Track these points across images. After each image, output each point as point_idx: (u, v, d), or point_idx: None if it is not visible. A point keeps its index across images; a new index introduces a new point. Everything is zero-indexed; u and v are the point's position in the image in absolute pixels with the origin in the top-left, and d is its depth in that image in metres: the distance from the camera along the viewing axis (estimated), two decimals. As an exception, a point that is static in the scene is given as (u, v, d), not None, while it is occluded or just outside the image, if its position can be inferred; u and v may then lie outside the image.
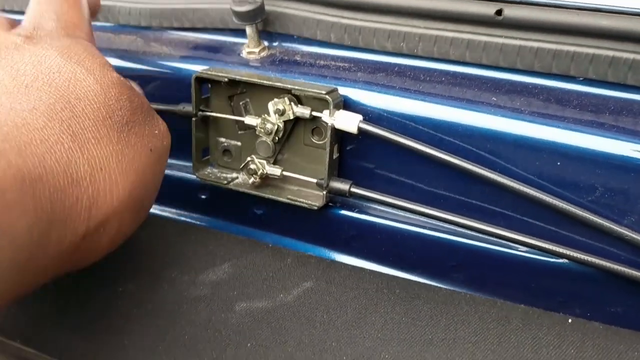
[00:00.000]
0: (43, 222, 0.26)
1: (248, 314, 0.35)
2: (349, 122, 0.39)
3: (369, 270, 0.38)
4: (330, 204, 0.44)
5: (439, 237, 0.41)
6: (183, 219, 0.48)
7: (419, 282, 0.37)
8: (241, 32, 0.47)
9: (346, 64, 0.44)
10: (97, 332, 0.35)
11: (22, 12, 0.52)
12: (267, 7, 0.45)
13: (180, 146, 0.45)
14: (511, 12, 0.38)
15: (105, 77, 0.32)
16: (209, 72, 0.42)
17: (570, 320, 0.33)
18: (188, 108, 0.44)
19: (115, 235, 0.32)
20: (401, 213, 0.42)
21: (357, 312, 0.34)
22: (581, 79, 0.39)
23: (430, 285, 0.37)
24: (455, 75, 0.42)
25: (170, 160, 0.48)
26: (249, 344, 0.33)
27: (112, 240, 0.32)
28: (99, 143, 0.30)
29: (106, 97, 0.31)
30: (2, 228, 0.24)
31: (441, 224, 0.41)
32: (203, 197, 0.48)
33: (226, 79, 0.42)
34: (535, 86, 0.40)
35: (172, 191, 0.49)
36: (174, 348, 0.34)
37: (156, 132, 0.35)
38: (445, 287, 0.38)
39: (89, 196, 0.29)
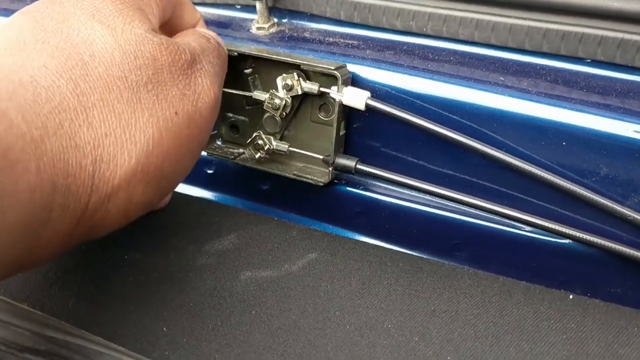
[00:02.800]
0: (46, 186, 0.25)
1: (253, 282, 0.35)
2: (356, 98, 0.39)
3: (373, 244, 0.39)
4: (336, 180, 0.44)
5: (443, 215, 0.41)
6: (189, 193, 0.49)
7: (423, 257, 0.37)
8: (251, 8, 0.48)
9: (355, 42, 0.44)
10: (103, 297, 0.35)
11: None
12: (277, -16, 0.46)
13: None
14: (521, -8, 0.38)
15: (126, 33, 0.30)
16: (219, 46, 0.42)
17: (571, 297, 0.33)
18: (196, 82, 0.44)
19: (125, 207, 0.30)
20: (406, 191, 0.42)
21: (361, 283, 0.34)
22: (589, 60, 0.39)
23: (434, 260, 0.38)
24: (463, 54, 0.42)
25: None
26: (253, 311, 0.34)
27: (124, 213, 0.30)
28: (107, 106, 0.28)
29: (123, 55, 0.29)
30: (5, 187, 0.23)
31: (445, 202, 0.41)
32: (209, 172, 0.48)
33: (236, 53, 0.42)
34: (543, 67, 0.40)
35: (178, 165, 0.49)
36: (179, 314, 0.34)
37: (187, 92, 0.32)
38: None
39: (92, 162, 0.28)
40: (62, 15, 0.30)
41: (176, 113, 0.31)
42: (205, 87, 0.33)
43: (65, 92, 0.27)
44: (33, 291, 0.36)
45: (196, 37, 0.35)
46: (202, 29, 0.38)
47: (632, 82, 0.38)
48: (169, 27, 0.38)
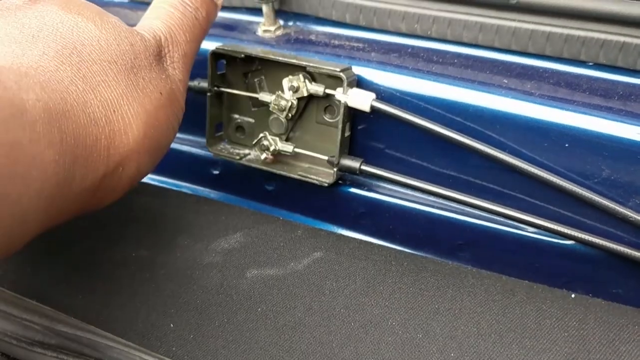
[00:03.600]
0: (68, 157, 0.27)
1: (259, 280, 0.36)
2: (362, 100, 0.40)
3: (378, 244, 0.39)
4: (340, 181, 0.44)
5: (446, 216, 0.42)
6: (195, 193, 0.49)
7: (427, 257, 0.38)
8: (257, 11, 0.48)
9: (360, 44, 0.45)
10: (111, 294, 0.36)
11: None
12: (284, -14, 0.46)
13: (194, 122, 0.46)
14: (525, -4, 0.39)
15: (104, 23, 0.32)
16: (226, 48, 0.43)
17: (573, 296, 0.34)
18: (203, 84, 0.45)
19: (134, 175, 0.33)
20: (410, 192, 0.43)
21: (366, 282, 0.35)
22: (591, 63, 0.40)
23: (438, 259, 0.38)
24: (467, 57, 0.42)
25: (183, 136, 0.49)
26: (259, 309, 0.34)
27: (131, 180, 0.33)
28: (108, 86, 0.31)
29: (108, 42, 0.31)
30: (33, 159, 0.25)
31: (449, 203, 0.41)
32: (215, 172, 0.49)
33: (242, 55, 0.42)
34: (545, 70, 0.41)
35: (184, 166, 0.50)
36: (186, 311, 0.34)
37: (163, 76, 0.35)
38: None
39: (106, 136, 0.30)
40: (38, 12, 0.31)
41: (160, 93, 0.34)
42: (174, 73, 0.36)
43: (70, 75, 0.29)
44: (42, 288, 0.36)
45: (164, 15, 0.36)
46: None
47: (634, 85, 0.39)
48: None
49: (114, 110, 0.31)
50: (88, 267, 0.38)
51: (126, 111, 0.31)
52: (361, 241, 0.39)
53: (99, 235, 0.40)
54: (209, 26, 0.39)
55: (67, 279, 0.37)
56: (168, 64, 0.36)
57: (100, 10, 0.33)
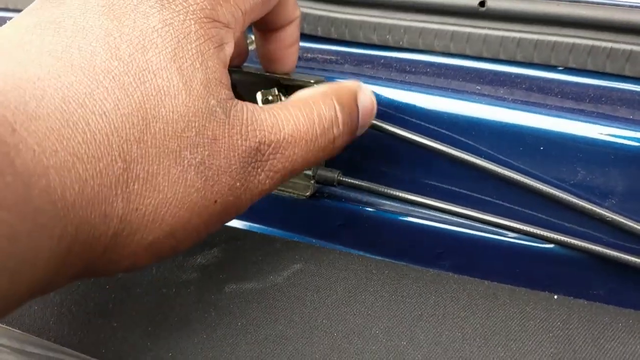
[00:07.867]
0: (62, 253, 0.23)
1: (238, 295, 0.35)
2: (336, 110, 0.39)
3: (358, 255, 0.39)
4: (318, 194, 0.44)
5: (425, 225, 0.41)
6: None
7: (408, 265, 0.37)
8: (229, 27, 0.48)
9: (333, 57, 0.45)
10: (85, 315, 0.35)
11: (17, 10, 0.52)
12: (255, 2, 0.46)
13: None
14: (494, 3, 0.39)
15: (199, 100, 0.25)
16: (198, 63, 0.43)
17: (556, 297, 0.33)
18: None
19: (128, 269, 0.28)
20: (388, 202, 0.43)
21: (347, 292, 0.34)
22: (561, 68, 0.40)
23: (419, 267, 0.38)
24: (440, 66, 0.43)
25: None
26: (239, 323, 0.33)
27: (123, 271, 0.28)
28: (149, 181, 0.24)
29: (186, 126, 0.25)
30: (26, 257, 0.21)
31: (428, 211, 0.41)
32: (190, 190, 0.48)
33: (215, 70, 0.42)
34: (517, 76, 0.41)
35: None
36: (163, 329, 0.33)
37: (237, 184, 0.27)
38: (432, 272, 0.38)
39: (112, 234, 0.25)
40: (141, 40, 0.25)
41: (216, 202, 0.27)
42: (258, 182, 0.29)
43: (115, 154, 0.23)
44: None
45: (304, 114, 0.30)
46: (333, 96, 0.32)
47: (604, 87, 0.39)
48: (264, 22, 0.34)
49: (136, 209, 0.25)
50: (60, 289, 0.36)
51: (149, 214, 0.25)
52: (341, 252, 0.39)
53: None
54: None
55: (38, 301, 0.35)
56: (260, 170, 0.28)
57: (214, 70, 0.27)
